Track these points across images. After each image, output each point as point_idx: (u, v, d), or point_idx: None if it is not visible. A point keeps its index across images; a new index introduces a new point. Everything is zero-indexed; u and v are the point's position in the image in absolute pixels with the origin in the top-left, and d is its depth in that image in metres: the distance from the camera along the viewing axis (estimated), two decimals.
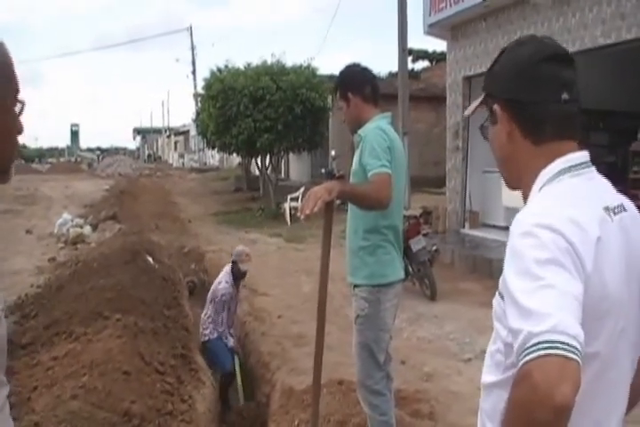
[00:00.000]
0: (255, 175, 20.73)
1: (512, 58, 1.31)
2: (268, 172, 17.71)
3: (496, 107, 1.31)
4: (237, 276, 6.14)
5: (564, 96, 1.24)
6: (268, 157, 17.31)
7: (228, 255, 9.29)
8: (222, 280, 6.11)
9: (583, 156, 1.26)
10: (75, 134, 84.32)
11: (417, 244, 7.26)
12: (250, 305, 7.37)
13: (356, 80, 3.10)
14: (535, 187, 1.26)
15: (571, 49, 8.60)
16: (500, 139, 1.33)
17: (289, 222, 14.06)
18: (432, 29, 11.56)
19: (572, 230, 1.10)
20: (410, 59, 30.30)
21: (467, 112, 1.50)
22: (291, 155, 20.22)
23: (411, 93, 13.93)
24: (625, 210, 1.26)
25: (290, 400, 4.66)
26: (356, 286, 3.02)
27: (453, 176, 11.73)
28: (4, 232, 13.27)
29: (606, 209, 1.20)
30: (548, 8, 8.99)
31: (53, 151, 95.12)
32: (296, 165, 23.75)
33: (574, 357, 0.96)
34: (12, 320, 6.54)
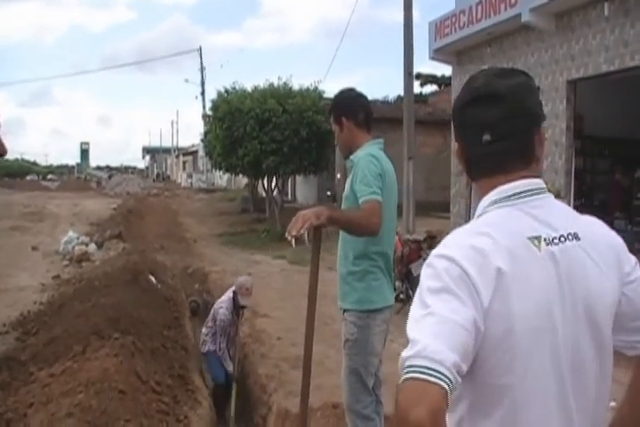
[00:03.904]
0: (262, 197, 20.73)
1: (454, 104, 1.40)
2: (274, 194, 17.75)
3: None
4: (237, 306, 6.18)
5: (486, 137, 1.26)
6: (274, 178, 17.38)
7: (231, 276, 9.32)
8: (223, 306, 6.16)
9: (517, 186, 1.25)
10: (85, 152, 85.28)
11: (418, 268, 7.27)
12: (250, 327, 7.35)
13: (350, 105, 3.12)
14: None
15: (574, 75, 8.70)
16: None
17: (293, 245, 14.02)
18: (437, 54, 11.71)
19: (471, 259, 1.11)
20: (418, 83, 30.59)
21: None
22: (298, 177, 20.21)
23: (419, 118, 13.95)
24: (577, 239, 1.21)
25: (285, 423, 4.65)
26: (345, 310, 3.02)
27: (458, 201, 11.76)
28: (11, 249, 13.33)
29: (535, 239, 1.18)
30: (551, 35, 9.10)
31: (63, 169, 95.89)
32: (303, 188, 23.81)
33: (436, 380, 0.98)
34: (14, 337, 6.57)
